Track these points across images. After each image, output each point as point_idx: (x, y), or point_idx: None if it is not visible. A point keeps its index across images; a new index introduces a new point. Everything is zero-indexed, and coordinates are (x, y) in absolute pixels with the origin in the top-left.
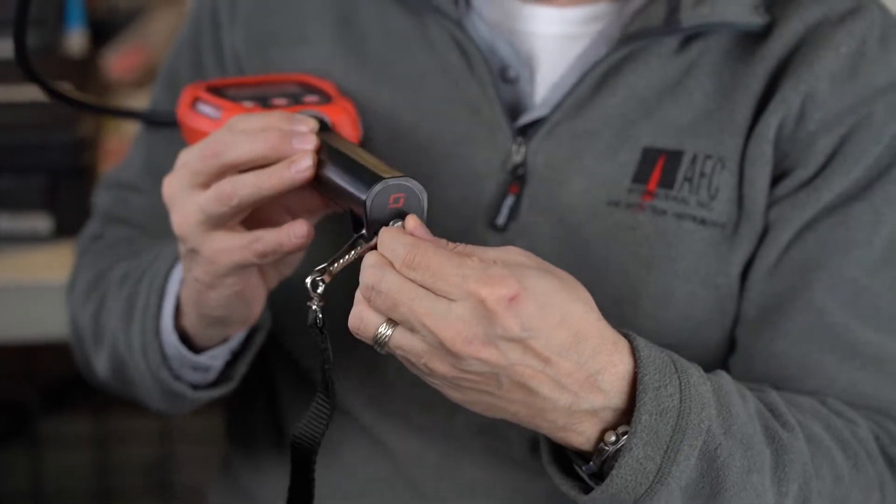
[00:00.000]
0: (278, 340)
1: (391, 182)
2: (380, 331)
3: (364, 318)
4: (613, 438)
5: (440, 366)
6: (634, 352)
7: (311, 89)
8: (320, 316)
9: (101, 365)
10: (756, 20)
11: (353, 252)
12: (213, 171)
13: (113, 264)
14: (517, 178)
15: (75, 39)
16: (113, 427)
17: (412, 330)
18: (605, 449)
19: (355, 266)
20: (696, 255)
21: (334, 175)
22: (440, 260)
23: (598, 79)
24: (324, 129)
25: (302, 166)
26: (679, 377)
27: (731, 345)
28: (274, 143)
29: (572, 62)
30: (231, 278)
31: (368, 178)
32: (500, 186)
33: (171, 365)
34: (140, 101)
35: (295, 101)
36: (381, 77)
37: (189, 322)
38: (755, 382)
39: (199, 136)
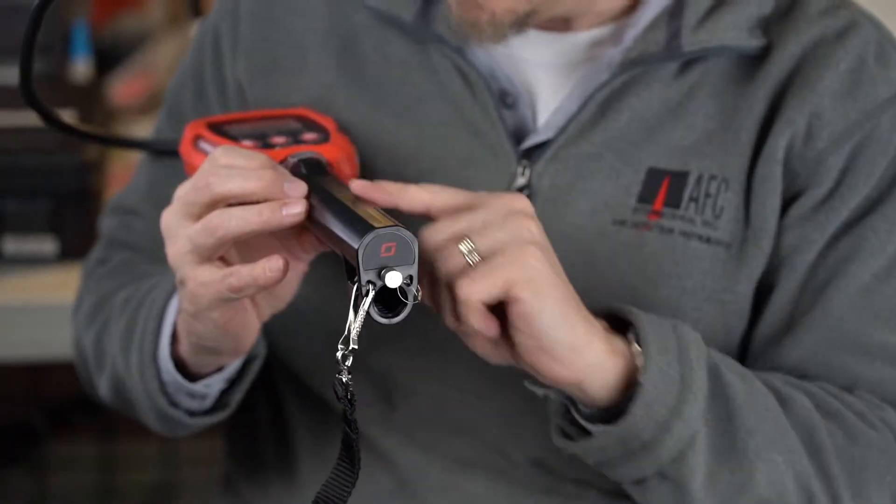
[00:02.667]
0: (282, 359)
1: (382, 232)
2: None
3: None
4: (633, 335)
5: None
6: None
7: (311, 125)
8: (351, 390)
9: (103, 386)
10: (753, 43)
11: (361, 310)
12: (204, 202)
13: (116, 289)
14: None
15: (80, 67)
16: (118, 449)
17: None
18: (632, 342)
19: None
20: (703, 273)
21: (327, 221)
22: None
23: (601, 103)
24: (320, 170)
25: (293, 210)
26: (659, 317)
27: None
28: (267, 183)
29: (573, 87)
30: (215, 311)
31: (360, 228)
32: None
33: (168, 391)
34: (144, 127)
35: (294, 139)
36: (383, 104)
37: (183, 349)
38: None
39: None
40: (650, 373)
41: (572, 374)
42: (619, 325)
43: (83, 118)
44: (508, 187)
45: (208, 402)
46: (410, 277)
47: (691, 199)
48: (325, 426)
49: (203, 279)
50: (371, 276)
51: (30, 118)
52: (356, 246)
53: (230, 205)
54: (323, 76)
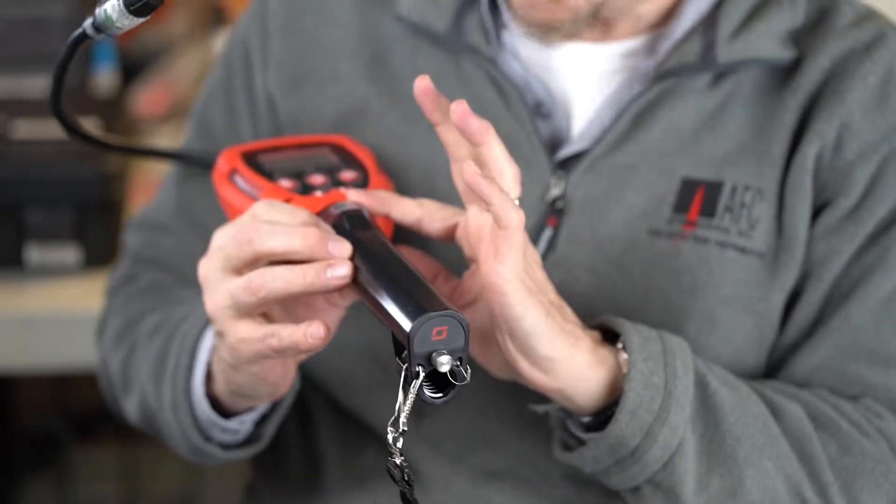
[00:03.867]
0: (310, 372)
1: (434, 316)
2: None
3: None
4: (621, 345)
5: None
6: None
7: (348, 159)
8: (407, 471)
9: (130, 409)
10: (786, 54)
11: (409, 394)
12: (246, 259)
13: (145, 312)
14: (555, 210)
15: (105, 78)
16: (141, 458)
17: None
18: (621, 351)
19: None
20: (738, 283)
21: (375, 290)
22: None
23: (636, 115)
24: (362, 223)
25: (339, 273)
26: (648, 327)
27: (765, 369)
28: (311, 242)
29: (607, 98)
30: (254, 366)
31: (411, 309)
32: (538, 219)
33: (202, 426)
34: (167, 138)
35: (332, 179)
36: (416, 114)
37: (219, 390)
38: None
39: (235, 211)
40: (634, 380)
41: (553, 384)
42: (611, 336)
43: (107, 129)
44: (542, 198)
45: (241, 436)
46: (460, 359)
47: (726, 209)
48: (353, 439)
49: (243, 335)
50: (421, 359)
51: (52, 128)
52: (407, 329)
53: (272, 262)
54: (355, 88)
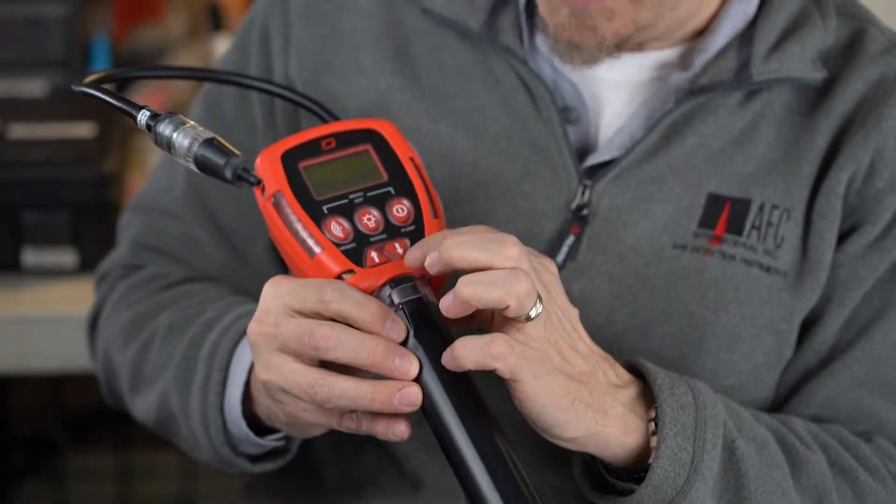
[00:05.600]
0: None
1: None
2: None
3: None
4: (653, 414)
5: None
6: (633, 364)
7: (401, 184)
8: None
9: (141, 407)
10: (818, 75)
11: None
12: (306, 356)
13: (157, 309)
14: (579, 218)
15: None
16: (137, 460)
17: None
18: (651, 430)
19: None
20: (762, 301)
21: (446, 433)
22: None
23: (667, 128)
24: (423, 320)
25: (407, 401)
26: (685, 381)
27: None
28: (377, 360)
29: (638, 108)
30: (311, 429)
31: (504, 495)
32: (560, 225)
33: (233, 441)
34: None
35: (385, 222)
36: (440, 111)
37: (258, 412)
38: None
39: (282, 236)
40: (663, 456)
41: (579, 449)
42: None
43: (103, 131)
44: (567, 205)
45: (268, 447)
46: None
47: (753, 227)
48: (349, 439)
49: (307, 409)
50: None
51: (48, 130)
52: None
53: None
54: (379, 80)
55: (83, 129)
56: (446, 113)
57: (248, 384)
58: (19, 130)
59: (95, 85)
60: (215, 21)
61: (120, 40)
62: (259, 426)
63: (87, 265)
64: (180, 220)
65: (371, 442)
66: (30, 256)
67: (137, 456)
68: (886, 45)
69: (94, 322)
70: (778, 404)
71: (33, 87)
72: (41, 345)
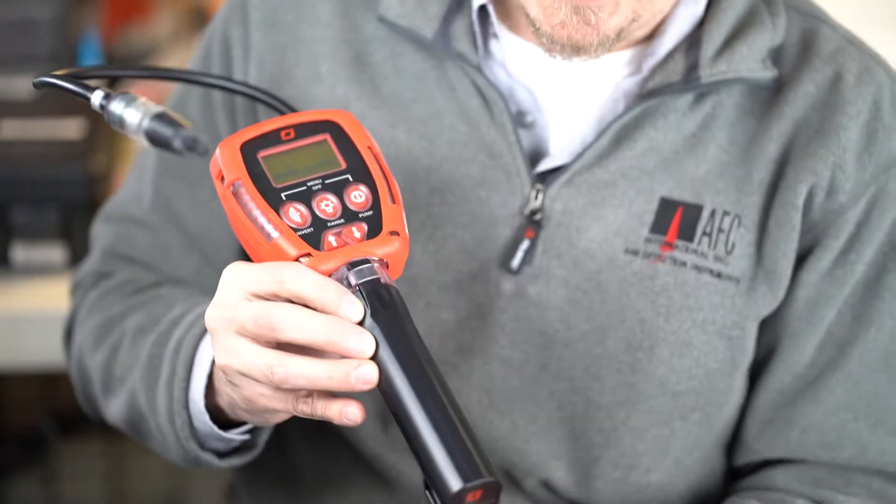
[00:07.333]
0: None
1: (475, 484)
2: None
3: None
4: None
5: None
6: None
7: (358, 171)
8: None
9: (113, 410)
10: (767, 74)
11: None
12: (263, 337)
13: (125, 312)
14: (533, 222)
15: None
16: (127, 456)
17: None
18: None
19: None
20: (714, 307)
21: (402, 410)
22: None
23: (618, 132)
24: (381, 302)
25: (364, 379)
26: None
27: (735, 393)
28: (334, 340)
29: (590, 113)
30: (270, 415)
31: (457, 466)
32: (515, 230)
33: (198, 436)
34: None
35: (343, 207)
36: (398, 117)
37: (221, 403)
38: (791, 451)
39: (240, 225)
40: None
41: None
42: None
43: (92, 129)
44: (521, 210)
45: (236, 443)
46: None
47: (704, 233)
48: (324, 439)
49: (263, 392)
50: None
51: (38, 129)
52: (453, 490)
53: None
54: (336, 88)
55: (72, 128)
56: (403, 119)
57: (211, 377)
58: (9, 129)
59: (52, 76)
60: (202, 21)
61: (109, 39)
62: (225, 421)
63: (76, 262)
64: (150, 228)
65: (343, 442)
66: (19, 253)
67: (128, 452)
68: (838, 46)
69: (69, 331)
70: (758, 427)
71: (22, 86)
72: (31, 341)
